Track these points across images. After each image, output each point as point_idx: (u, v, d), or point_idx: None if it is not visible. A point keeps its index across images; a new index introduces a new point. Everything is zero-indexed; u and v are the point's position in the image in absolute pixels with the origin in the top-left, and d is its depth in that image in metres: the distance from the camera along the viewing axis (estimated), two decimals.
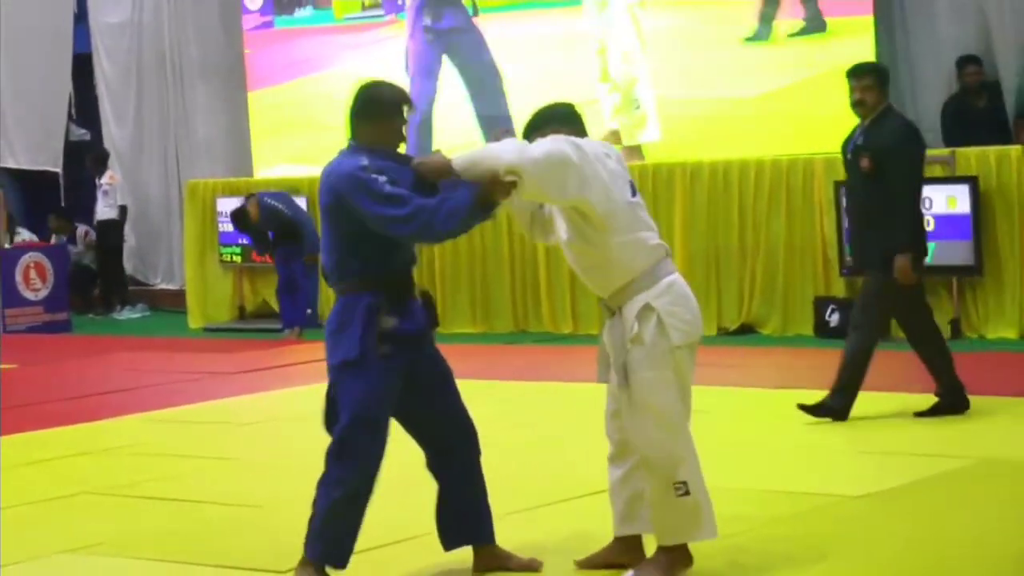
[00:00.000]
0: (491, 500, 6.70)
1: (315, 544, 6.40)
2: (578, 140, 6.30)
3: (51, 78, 21.12)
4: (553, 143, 6.20)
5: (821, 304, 14.51)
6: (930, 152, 14.49)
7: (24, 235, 20.37)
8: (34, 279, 18.70)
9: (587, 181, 6.18)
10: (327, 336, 6.47)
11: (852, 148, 10.09)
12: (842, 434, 9.84)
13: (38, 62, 21.12)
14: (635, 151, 15.97)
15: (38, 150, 21.40)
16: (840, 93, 14.90)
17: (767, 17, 15.54)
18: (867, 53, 14.63)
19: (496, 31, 16.76)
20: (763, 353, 13.85)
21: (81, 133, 21.56)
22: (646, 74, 15.96)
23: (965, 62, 14.94)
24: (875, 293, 10.14)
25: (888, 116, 10.06)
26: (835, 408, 10.06)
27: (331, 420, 6.42)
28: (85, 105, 21.17)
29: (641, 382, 6.25)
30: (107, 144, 20.50)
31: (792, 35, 15.29)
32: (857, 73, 10.05)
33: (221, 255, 18.25)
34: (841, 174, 14.49)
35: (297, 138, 17.96)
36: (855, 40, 14.76)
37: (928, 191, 13.98)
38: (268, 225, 16.13)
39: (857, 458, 9.21)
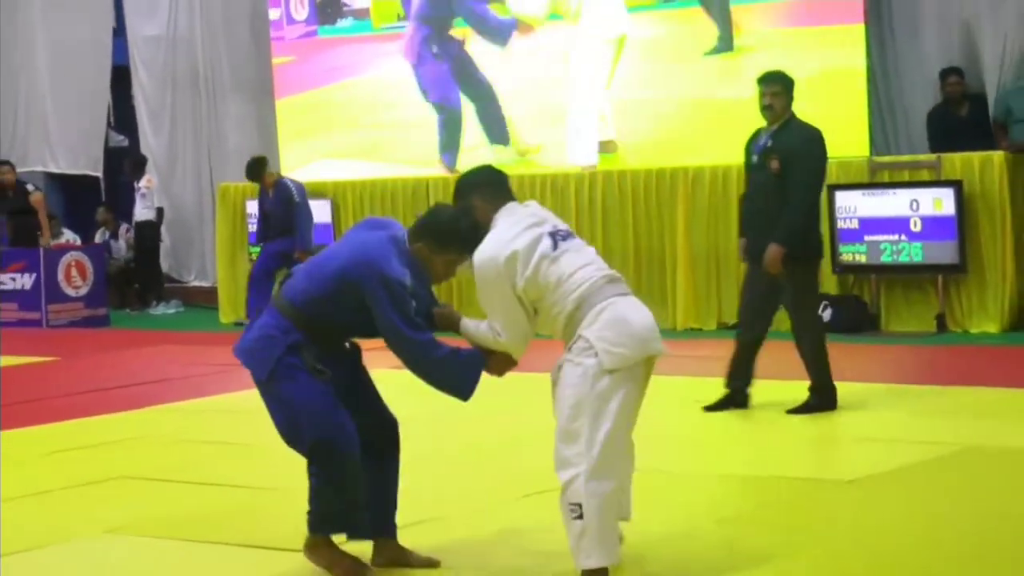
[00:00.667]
0: (503, 486, 6.66)
1: (322, 523, 6.32)
2: (495, 257, 6.04)
3: (91, 88, 21.16)
4: (501, 314, 6.07)
5: None
6: (918, 157, 14.61)
7: (67, 235, 20.40)
8: (75, 277, 18.71)
9: (524, 301, 6.08)
10: (251, 332, 6.34)
11: (759, 151, 10.12)
12: (833, 422, 9.81)
13: (79, 73, 21.17)
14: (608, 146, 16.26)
15: (79, 155, 21.45)
16: (830, 98, 14.96)
17: (724, 35, 15.66)
18: (859, 60, 14.64)
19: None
20: None
21: (119, 139, 21.58)
22: (633, 82, 16.09)
23: (947, 73, 14.91)
24: (799, 291, 10.14)
25: (795, 122, 10.14)
26: (819, 404, 10.05)
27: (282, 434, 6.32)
28: (123, 113, 21.19)
29: (556, 398, 6.12)
30: (143, 150, 20.52)
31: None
32: (767, 80, 10.13)
33: (251, 254, 18.21)
34: (833, 177, 14.53)
35: (337, 135, 18.16)
36: (847, 46, 14.79)
37: (915, 194, 14.08)
38: (275, 203, 15.85)
39: (848, 445, 9.19)
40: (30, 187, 19.33)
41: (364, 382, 6.52)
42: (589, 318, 6.03)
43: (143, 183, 19.58)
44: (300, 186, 16.12)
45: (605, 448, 5.97)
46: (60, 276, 18.57)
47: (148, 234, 19.75)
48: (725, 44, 15.54)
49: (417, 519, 7.04)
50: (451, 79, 17.22)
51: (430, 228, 6.23)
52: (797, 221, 10.04)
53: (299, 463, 8.73)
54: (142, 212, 19.63)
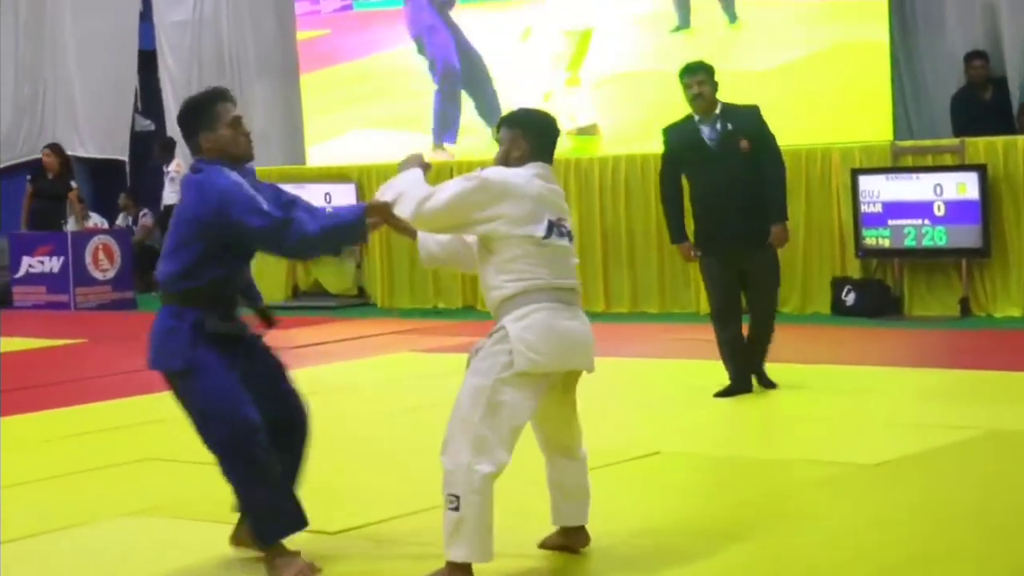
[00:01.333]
0: (518, 470, 6.57)
1: (264, 532, 6.16)
2: (496, 178, 5.96)
3: (118, 73, 21.20)
4: (460, 191, 5.91)
5: (838, 284, 14.46)
6: (941, 142, 14.54)
7: (95, 219, 20.42)
8: (102, 260, 18.73)
9: (480, 222, 5.92)
10: (153, 338, 6.27)
11: (716, 138, 10.09)
12: (856, 406, 9.75)
13: (106, 59, 21.20)
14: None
15: (106, 140, 21.48)
16: (852, 80, 14.87)
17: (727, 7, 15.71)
18: (882, 36, 14.59)
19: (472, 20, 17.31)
20: (783, 330, 13.69)
21: (146, 124, 21.60)
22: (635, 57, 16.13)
23: (971, 57, 14.83)
24: (774, 272, 10.32)
25: (731, 105, 10.23)
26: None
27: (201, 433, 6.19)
28: (150, 98, 21.21)
29: (463, 386, 5.91)
30: (170, 134, 20.51)
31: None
32: (691, 71, 10.19)
33: None
34: (857, 162, 14.48)
35: (367, 107, 18.20)
36: (869, 21, 14.76)
37: (939, 178, 14.00)
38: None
39: (872, 429, 9.10)
40: (73, 184, 19.40)
41: (269, 367, 6.41)
42: (520, 312, 5.88)
43: (172, 167, 19.61)
44: (251, 171, 15.80)
45: (494, 446, 5.80)
46: (88, 259, 18.59)
47: None
48: (730, 16, 15.58)
49: (435, 503, 7.00)
50: (454, 49, 17.41)
51: (184, 126, 6.26)
52: (786, 196, 10.26)
53: (326, 445, 8.70)
54: (171, 196, 19.62)
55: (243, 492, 6.15)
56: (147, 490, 8.09)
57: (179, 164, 19.70)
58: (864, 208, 14.30)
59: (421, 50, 17.62)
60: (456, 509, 5.78)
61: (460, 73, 17.34)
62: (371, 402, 10.55)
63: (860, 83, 14.73)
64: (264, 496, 6.14)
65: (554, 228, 6.00)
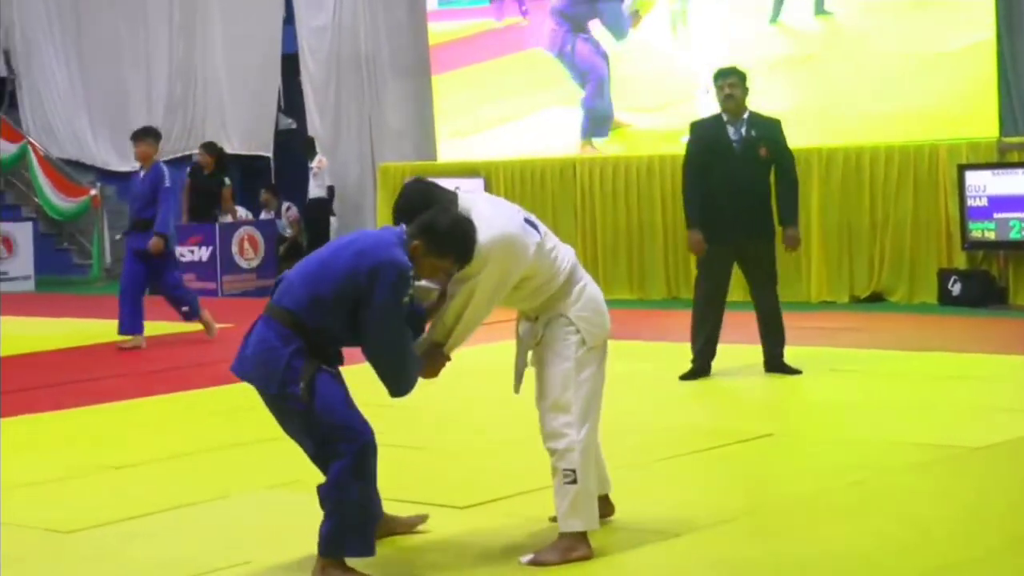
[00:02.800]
0: (635, 451, 6.55)
1: (340, 544, 5.78)
2: (492, 241, 5.75)
3: (263, 75, 21.34)
4: (481, 296, 5.80)
5: (944, 275, 14.27)
6: None
7: (240, 212, 20.61)
8: (247, 250, 18.95)
9: (508, 282, 5.87)
10: (247, 354, 5.79)
11: (742, 140, 10.22)
12: (957, 391, 9.60)
13: (252, 61, 21.36)
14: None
15: (251, 137, 21.63)
16: (959, 75, 14.59)
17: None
18: (989, 34, 14.33)
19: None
20: (891, 319, 13.63)
21: (288, 123, 21.74)
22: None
23: None
24: (772, 259, 10.38)
25: (758, 114, 10.39)
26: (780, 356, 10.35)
27: (316, 453, 5.90)
28: (292, 98, 21.34)
29: (547, 375, 5.95)
30: (310, 133, 20.65)
31: None
32: (724, 74, 10.38)
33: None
34: (963, 157, 14.25)
35: (498, 106, 18.07)
36: (975, 20, 14.50)
37: None
38: (145, 184, 13.84)
39: (975, 413, 8.94)
40: (227, 180, 19.59)
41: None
42: (572, 296, 5.97)
43: (315, 163, 19.75)
44: (180, 175, 14.92)
45: (590, 419, 5.94)
46: (234, 249, 18.81)
47: (320, 211, 19.90)
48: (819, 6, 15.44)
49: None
50: (597, 55, 17.28)
51: (431, 229, 5.71)
52: (798, 203, 10.54)
53: (435, 424, 8.69)
54: (315, 190, 19.81)
55: (344, 501, 5.75)
56: (285, 465, 8.08)
57: (321, 160, 19.85)
58: (970, 202, 14.09)
59: (564, 64, 17.47)
60: (574, 482, 5.84)
61: (606, 76, 17.19)
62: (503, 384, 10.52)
63: (967, 81, 14.48)
64: (359, 511, 5.79)
65: (529, 221, 5.99)
